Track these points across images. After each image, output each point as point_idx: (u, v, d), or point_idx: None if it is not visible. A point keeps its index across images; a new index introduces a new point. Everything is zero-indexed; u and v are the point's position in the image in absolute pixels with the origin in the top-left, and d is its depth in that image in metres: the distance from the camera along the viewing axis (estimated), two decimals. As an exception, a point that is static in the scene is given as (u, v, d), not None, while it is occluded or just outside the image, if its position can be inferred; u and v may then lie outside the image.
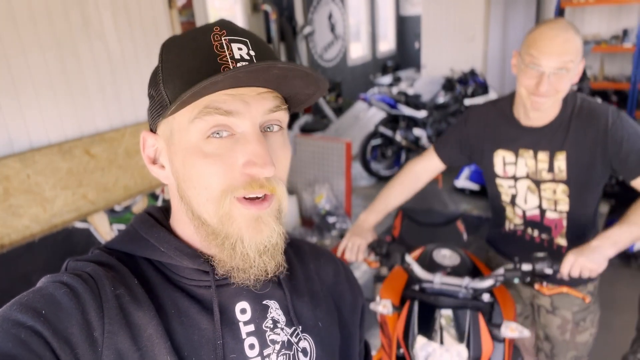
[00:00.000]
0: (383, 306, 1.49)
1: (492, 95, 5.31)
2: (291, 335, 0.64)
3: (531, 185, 1.54)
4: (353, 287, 0.79)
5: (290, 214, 3.75)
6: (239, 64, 0.55)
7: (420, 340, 1.37)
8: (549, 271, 1.37)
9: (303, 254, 0.76)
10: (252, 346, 0.61)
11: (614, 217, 3.59)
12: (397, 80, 7.41)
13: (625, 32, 5.20)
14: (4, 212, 2.13)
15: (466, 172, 4.63)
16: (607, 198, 3.94)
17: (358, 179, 5.33)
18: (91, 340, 0.52)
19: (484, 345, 1.36)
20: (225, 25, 0.59)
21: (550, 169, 1.49)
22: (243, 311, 0.63)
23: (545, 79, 1.31)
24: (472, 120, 1.65)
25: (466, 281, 1.43)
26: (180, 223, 0.65)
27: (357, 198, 4.66)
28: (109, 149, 2.57)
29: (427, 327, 1.40)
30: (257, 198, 0.58)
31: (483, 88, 5.44)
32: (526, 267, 1.39)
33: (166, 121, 0.60)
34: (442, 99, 5.43)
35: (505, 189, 1.62)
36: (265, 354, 0.62)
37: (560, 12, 5.45)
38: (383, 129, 5.12)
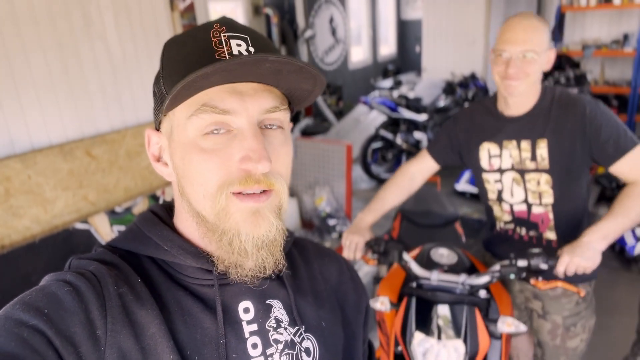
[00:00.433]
0: (381, 303, 1.50)
1: (492, 98, 5.31)
2: (294, 334, 0.64)
3: (516, 177, 1.59)
4: (357, 287, 0.78)
5: (291, 216, 3.75)
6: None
7: (418, 336, 1.38)
8: (544, 266, 1.39)
9: (307, 254, 0.76)
10: (254, 345, 0.61)
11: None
12: (397, 84, 7.43)
13: (625, 37, 5.21)
14: (5, 212, 2.13)
15: (467, 175, 4.63)
16: (606, 201, 3.94)
17: (358, 182, 5.33)
18: (94, 338, 0.52)
19: (481, 341, 1.37)
20: (226, 23, 0.59)
21: (533, 157, 1.54)
22: (246, 310, 0.62)
23: (513, 62, 1.43)
24: (460, 119, 1.73)
25: (463, 278, 1.45)
26: (183, 221, 0.65)
27: (358, 201, 4.66)
28: (110, 150, 2.58)
29: (425, 323, 1.41)
30: (255, 194, 0.57)
31: (483, 92, 5.46)
32: (522, 263, 1.42)
33: (168, 118, 0.60)
34: (442, 103, 5.44)
35: (491, 184, 1.66)
36: (268, 353, 0.61)
37: (560, 17, 5.46)
38: (384, 132, 5.12)
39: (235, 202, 0.57)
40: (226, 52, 0.56)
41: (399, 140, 5.10)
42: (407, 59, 10.34)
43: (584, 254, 1.35)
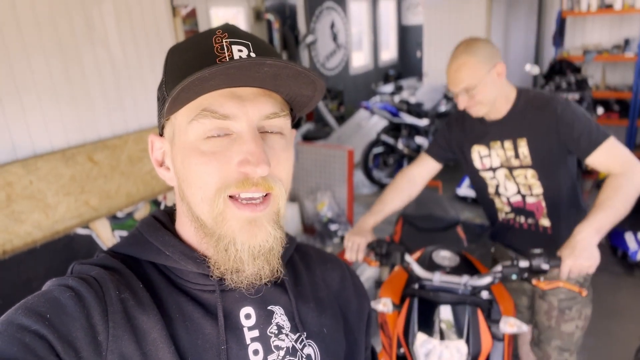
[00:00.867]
0: (383, 304, 1.50)
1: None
2: (296, 341, 0.64)
3: (507, 173, 1.71)
4: (359, 293, 0.78)
5: (292, 221, 3.75)
6: None
7: (421, 337, 1.38)
8: (545, 267, 1.40)
9: (309, 260, 0.76)
10: (256, 352, 0.60)
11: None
12: (399, 89, 7.43)
13: (626, 42, 5.21)
14: (7, 218, 2.13)
15: (468, 180, 4.62)
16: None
17: (360, 187, 5.33)
18: (95, 344, 0.52)
19: (483, 341, 1.37)
20: (228, 29, 0.59)
21: (516, 155, 1.65)
22: (248, 316, 0.62)
23: (460, 98, 1.59)
24: (452, 125, 1.84)
25: (465, 279, 1.45)
26: (184, 226, 0.65)
27: (359, 206, 4.65)
28: (112, 156, 2.58)
29: (427, 325, 1.41)
30: (253, 201, 0.57)
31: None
32: (523, 263, 1.43)
33: (170, 123, 0.61)
34: (444, 108, 5.44)
35: (488, 180, 1.77)
36: (269, 359, 0.61)
37: (561, 22, 5.47)
38: (385, 137, 5.12)
39: (232, 209, 0.57)
40: (227, 58, 0.56)
41: (400, 145, 5.10)
42: (408, 64, 10.36)
43: (584, 254, 1.38)
